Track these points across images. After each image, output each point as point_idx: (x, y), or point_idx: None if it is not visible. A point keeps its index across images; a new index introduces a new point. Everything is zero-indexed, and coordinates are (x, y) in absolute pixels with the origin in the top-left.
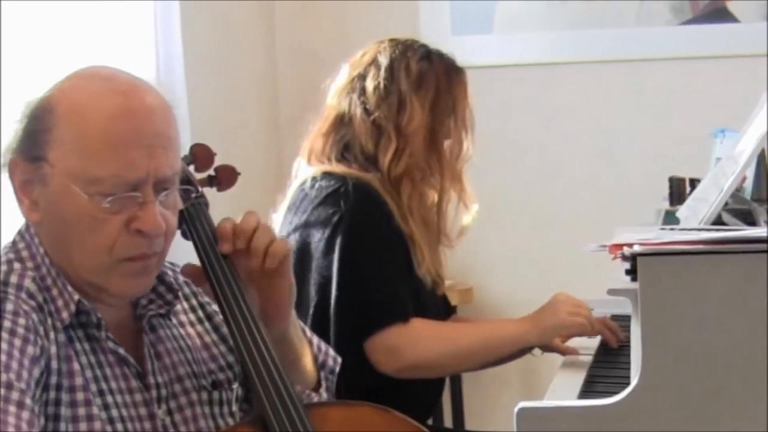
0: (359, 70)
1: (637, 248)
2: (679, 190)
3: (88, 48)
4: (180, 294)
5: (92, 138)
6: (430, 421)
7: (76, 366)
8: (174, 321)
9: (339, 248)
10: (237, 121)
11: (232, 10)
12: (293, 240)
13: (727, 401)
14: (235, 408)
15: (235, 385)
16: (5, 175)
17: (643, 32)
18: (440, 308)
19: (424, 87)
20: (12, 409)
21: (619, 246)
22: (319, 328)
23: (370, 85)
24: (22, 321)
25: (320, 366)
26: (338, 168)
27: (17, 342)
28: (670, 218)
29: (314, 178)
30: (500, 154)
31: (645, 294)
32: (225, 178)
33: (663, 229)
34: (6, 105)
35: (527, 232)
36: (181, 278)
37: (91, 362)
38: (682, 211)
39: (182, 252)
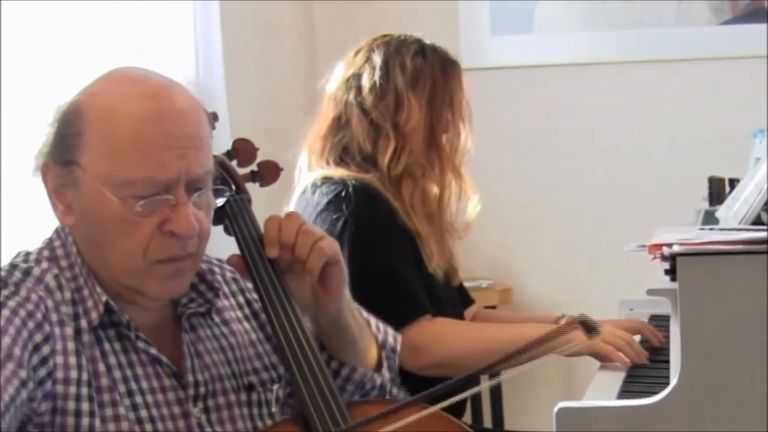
0: (354, 70)
1: (676, 248)
2: (718, 190)
3: (128, 49)
4: (221, 292)
5: (123, 141)
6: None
7: (101, 367)
8: (217, 319)
9: (348, 254)
10: (276, 123)
11: (272, 11)
12: None
13: (766, 401)
14: (274, 409)
15: (276, 386)
16: (38, 179)
17: (682, 32)
18: (456, 300)
19: (421, 83)
20: None
21: (659, 246)
22: None
23: (366, 84)
24: (29, 306)
25: (381, 345)
26: (337, 172)
27: (17, 321)
28: (709, 218)
29: (314, 185)
30: (540, 154)
31: (684, 294)
32: (268, 173)
33: (702, 229)
34: (41, 107)
35: (567, 233)
36: (229, 275)
37: (121, 362)
38: (721, 211)
39: (225, 248)
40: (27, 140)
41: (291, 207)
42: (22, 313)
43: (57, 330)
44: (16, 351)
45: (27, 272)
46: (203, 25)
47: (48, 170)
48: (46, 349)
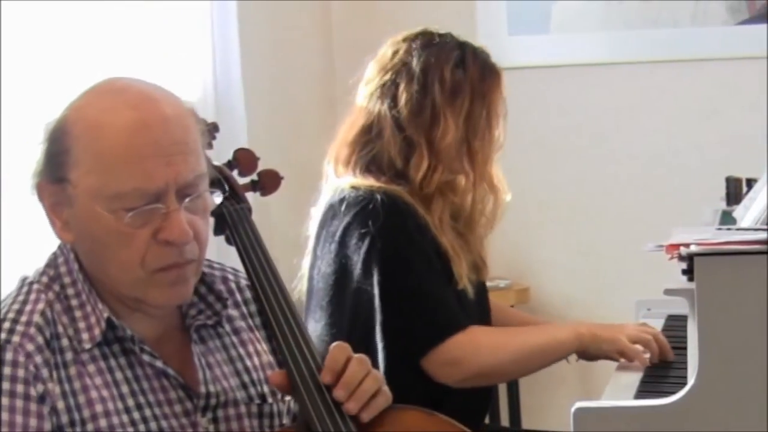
0: (390, 75)
1: (693, 248)
2: (735, 190)
3: (145, 50)
4: (232, 301)
5: (108, 155)
6: (486, 421)
7: (98, 380)
8: (228, 328)
9: (377, 271)
10: (294, 122)
11: (290, 11)
12: (331, 263)
13: None
14: (286, 420)
15: (288, 398)
16: (34, 198)
17: (699, 32)
18: (486, 308)
19: (459, 99)
20: None
21: (676, 246)
22: (365, 349)
23: (402, 96)
24: (21, 373)
25: None
26: (365, 181)
27: (19, 404)
28: (726, 218)
29: (341, 194)
30: (557, 154)
31: (702, 294)
32: (268, 182)
33: (720, 229)
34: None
35: (584, 233)
36: (243, 282)
37: (128, 377)
38: (739, 211)
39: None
40: (29, 147)
41: (319, 213)
42: (20, 389)
43: (50, 385)
44: (32, 422)
45: (15, 320)
46: (221, 25)
47: (42, 189)
48: (45, 409)
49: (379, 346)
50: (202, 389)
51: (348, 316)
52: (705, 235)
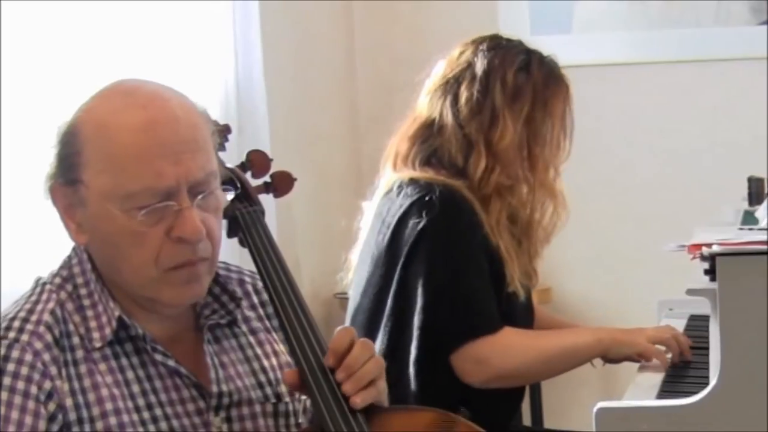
0: (454, 72)
1: (716, 248)
2: (758, 190)
3: (167, 50)
4: (247, 303)
5: (118, 155)
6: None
7: (108, 379)
8: (244, 328)
9: (423, 261)
10: (316, 123)
11: (311, 11)
12: (383, 252)
13: None
14: (302, 419)
15: (304, 397)
16: (35, 200)
17: (721, 32)
18: (531, 314)
19: (519, 102)
20: None
21: (698, 246)
22: (397, 342)
23: (463, 94)
24: (24, 371)
25: None
26: (425, 174)
27: (17, 400)
28: (749, 218)
29: (400, 186)
30: (579, 154)
31: (724, 294)
32: (281, 184)
33: (742, 229)
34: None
35: (605, 232)
36: (260, 284)
37: (139, 376)
38: (761, 211)
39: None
40: (38, 148)
41: (374, 206)
42: (21, 386)
43: (58, 383)
44: (28, 420)
45: (26, 319)
46: (243, 26)
47: (56, 191)
48: (51, 406)
49: (414, 335)
50: (214, 388)
51: (391, 302)
52: (727, 235)
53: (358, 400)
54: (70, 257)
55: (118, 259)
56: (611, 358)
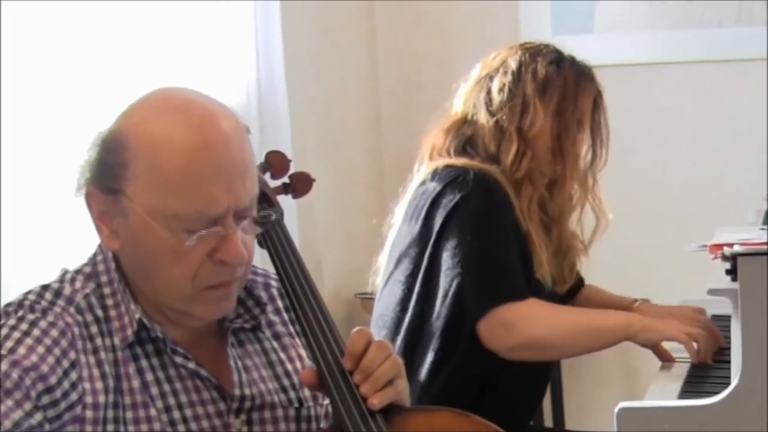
0: (488, 71)
1: (737, 248)
2: None
3: (188, 52)
4: (272, 308)
5: (170, 175)
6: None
7: (135, 383)
8: (268, 333)
9: (454, 234)
10: (338, 122)
11: (333, 11)
12: (416, 234)
13: None
14: (323, 424)
15: (326, 402)
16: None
17: (743, 32)
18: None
19: (549, 91)
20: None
21: (720, 246)
22: (423, 319)
23: (495, 85)
24: (54, 333)
25: None
26: (459, 161)
27: (40, 349)
28: None
29: (435, 172)
30: None
31: (745, 294)
32: (300, 185)
33: (763, 229)
34: (103, 110)
35: (628, 232)
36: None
37: (159, 378)
38: None
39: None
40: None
41: (408, 196)
42: (47, 340)
43: (83, 357)
44: (44, 368)
45: (58, 293)
46: (264, 25)
47: (92, 197)
48: (74, 375)
49: (444, 311)
50: (237, 391)
51: (420, 282)
52: (748, 235)
53: (375, 402)
54: (95, 254)
55: (153, 272)
56: (640, 343)
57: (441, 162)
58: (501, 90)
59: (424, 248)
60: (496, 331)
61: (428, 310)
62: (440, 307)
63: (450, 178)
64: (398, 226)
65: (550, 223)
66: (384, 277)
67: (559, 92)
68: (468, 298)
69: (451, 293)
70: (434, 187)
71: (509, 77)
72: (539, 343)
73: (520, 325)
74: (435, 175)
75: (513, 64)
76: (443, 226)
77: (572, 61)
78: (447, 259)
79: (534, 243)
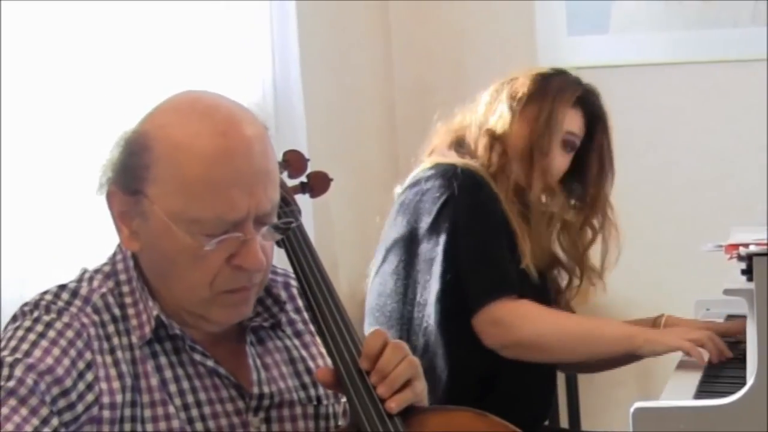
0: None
1: (753, 248)
2: None
3: (204, 51)
4: (292, 306)
5: (193, 180)
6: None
7: (154, 381)
8: (289, 331)
9: (445, 229)
10: (353, 123)
11: (348, 11)
12: (403, 228)
13: None
14: (341, 422)
15: (344, 400)
16: (103, 199)
17: (759, 32)
18: (547, 300)
19: (528, 98)
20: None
21: (735, 246)
22: (415, 313)
23: (486, 96)
24: (69, 334)
25: None
26: (449, 158)
27: (55, 351)
28: None
29: (424, 169)
30: (617, 154)
31: (760, 294)
32: (317, 184)
33: None
34: (125, 111)
35: (643, 232)
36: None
37: (178, 375)
38: None
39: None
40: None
41: (401, 190)
42: (63, 342)
43: (99, 358)
44: (59, 371)
45: (74, 293)
46: (280, 25)
47: (114, 196)
48: (89, 376)
49: (442, 304)
50: (255, 390)
51: (414, 276)
52: (764, 235)
53: (393, 405)
54: (114, 253)
55: (171, 275)
56: (645, 356)
57: (431, 160)
58: (490, 95)
59: (413, 242)
60: (488, 329)
61: (421, 304)
62: (434, 302)
63: (438, 175)
64: (390, 220)
65: (524, 215)
66: (374, 270)
67: (537, 101)
68: (461, 298)
69: (443, 289)
70: (423, 183)
71: (500, 87)
72: (532, 343)
73: (514, 323)
74: (424, 171)
75: (510, 76)
76: (433, 224)
77: (565, 76)
78: (439, 259)
79: (517, 235)
